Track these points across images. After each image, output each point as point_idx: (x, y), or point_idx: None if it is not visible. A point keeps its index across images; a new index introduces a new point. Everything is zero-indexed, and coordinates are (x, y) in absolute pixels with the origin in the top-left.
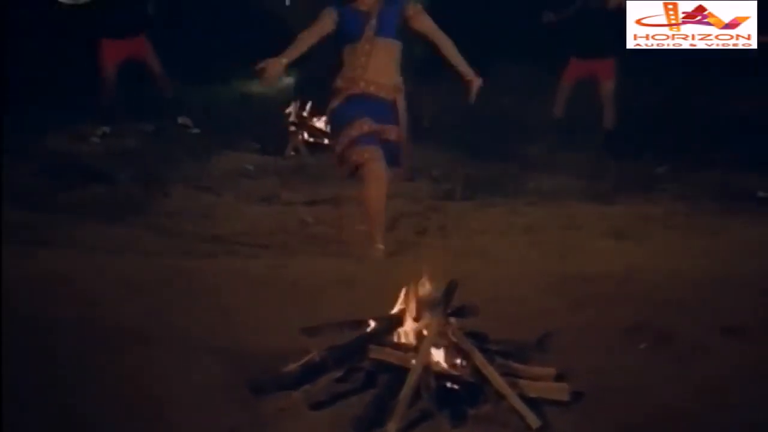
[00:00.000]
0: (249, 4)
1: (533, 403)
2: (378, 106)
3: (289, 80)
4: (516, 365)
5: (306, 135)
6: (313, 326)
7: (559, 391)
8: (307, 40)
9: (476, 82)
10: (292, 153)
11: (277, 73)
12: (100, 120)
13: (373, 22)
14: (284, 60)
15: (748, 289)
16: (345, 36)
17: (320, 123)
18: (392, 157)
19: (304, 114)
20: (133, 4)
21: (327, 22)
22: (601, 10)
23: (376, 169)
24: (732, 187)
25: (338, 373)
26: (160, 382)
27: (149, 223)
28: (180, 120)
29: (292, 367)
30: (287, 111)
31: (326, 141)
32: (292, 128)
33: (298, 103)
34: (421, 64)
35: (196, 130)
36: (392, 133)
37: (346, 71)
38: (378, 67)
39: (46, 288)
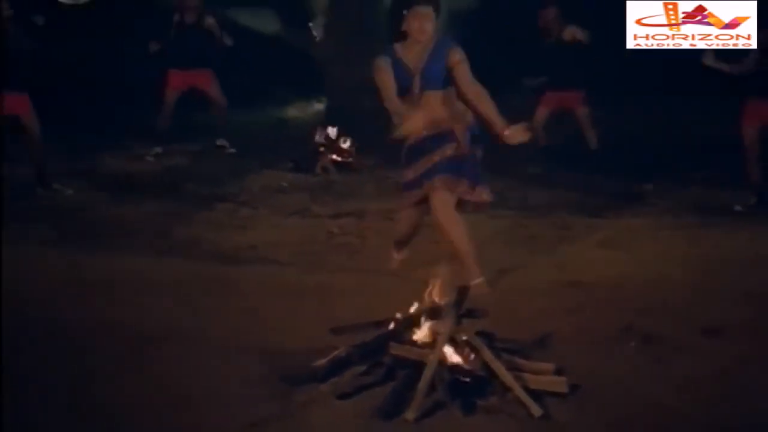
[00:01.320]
0: (282, 40)
1: (535, 395)
2: (438, 139)
3: (320, 107)
4: (520, 361)
5: (334, 155)
6: (340, 326)
7: (558, 384)
8: (392, 97)
9: (513, 133)
10: (321, 171)
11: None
12: (154, 141)
13: (417, 80)
14: (403, 111)
15: (726, 294)
16: (397, 87)
17: (346, 145)
18: (465, 169)
19: (332, 137)
20: (204, 39)
21: (389, 77)
22: (562, 45)
23: (441, 203)
24: (711, 202)
25: (362, 368)
26: (202, 377)
27: (194, 234)
28: (218, 142)
29: (321, 362)
30: (317, 135)
31: (351, 160)
32: (322, 149)
33: (327, 128)
34: None
35: (232, 150)
36: (448, 149)
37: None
38: (428, 112)
39: (102, 292)
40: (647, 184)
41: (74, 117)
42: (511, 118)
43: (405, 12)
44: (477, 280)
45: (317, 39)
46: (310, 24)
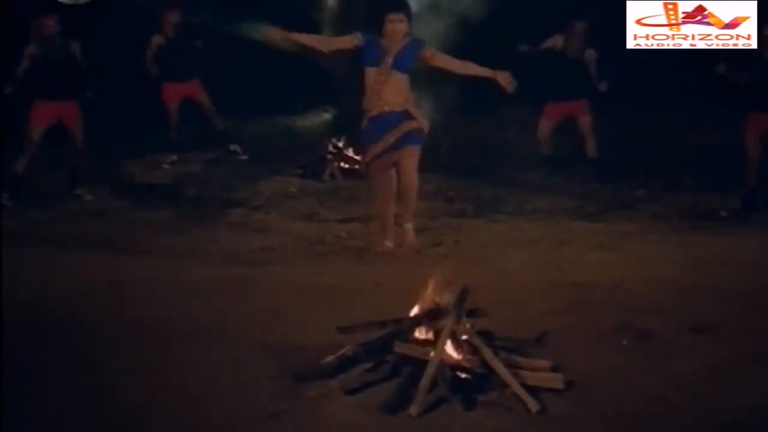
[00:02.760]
0: (292, 52)
1: (533, 391)
2: (395, 117)
3: (327, 116)
4: (518, 358)
5: (341, 162)
6: (347, 325)
7: (555, 381)
8: (319, 42)
9: (504, 78)
10: (329, 178)
11: (274, 35)
12: (169, 149)
13: (389, 58)
14: (284, 34)
15: (714, 294)
16: (366, 60)
17: (352, 152)
18: (414, 137)
19: (339, 144)
20: (190, 54)
21: (347, 40)
22: (575, 59)
23: (411, 165)
24: (700, 208)
25: (368, 365)
26: (217, 371)
27: (211, 236)
28: (231, 147)
29: (330, 359)
30: (326, 143)
31: (357, 167)
32: (329, 156)
33: (335, 137)
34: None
35: (244, 157)
36: (413, 124)
37: (367, 96)
38: (390, 92)
39: (127, 292)
40: (639, 191)
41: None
42: (517, 131)
43: (383, 16)
44: (388, 242)
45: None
46: (320, 34)
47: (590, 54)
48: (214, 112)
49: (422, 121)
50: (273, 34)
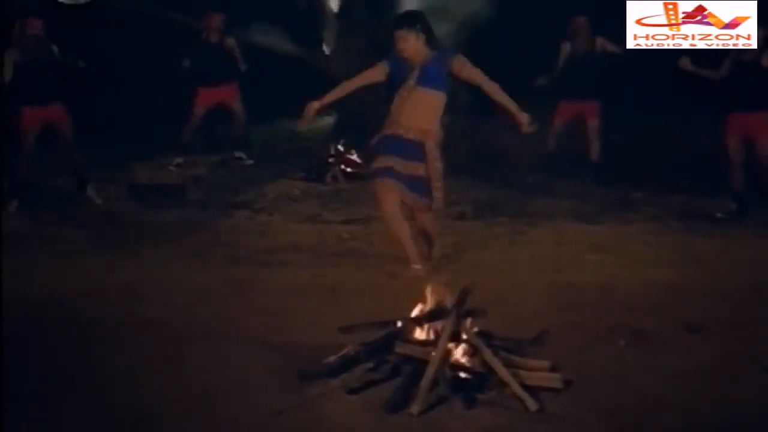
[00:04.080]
0: (295, 57)
1: (531, 390)
2: (406, 145)
3: (330, 120)
4: (517, 358)
5: (343, 166)
6: (349, 325)
7: (553, 380)
8: (347, 87)
9: (524, 119)
10: (331, 180)
11: (311, 113)
12: (176, 152)
13: (415, 72)
14: (317, 103)
15: (709, 294)
16: (393, 84)
17: (354, 156)
18: (423, 189)
19: (341, 148)
20: (227, 56)
21: (376, 73)
22: (587, 55)
23: (384, 201)
24: (695, 210)
25: (370, 364)
26: (223, 370)
27: (216, 238)
28: (236, 153)
29: (332, 359)
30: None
31: (358, 170)
32: (331, 160)
33: (337, 141)
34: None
35: (250, 162)
36: (420, 169)
37: (389, 114)
38: (412, 112)
39: (133, 293)
40: (636, 193)
41: (103, 127)
42: (516, 134)
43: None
44: (415, 266)
45: (329, 56)
46: (322, 41)
47: (601, 41)
48: (243, 119)
49: (432, 164)
50: (310, 112)
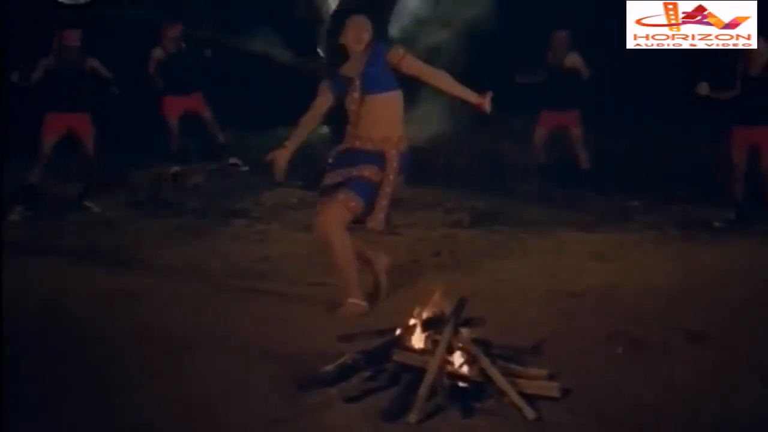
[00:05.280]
0: (291, 66)
1: (529, 399)
2: (364, 156)
3: (326, 129)
4: (515, 367)
5: None
6: (347, 334)
7: (551, 389)
8: (307, 124)
9: (483, 102)
10: None
11: (284, 162)
12: (174, 161)
13: (357, 83)
14: (287, 151)
15: (706, 302)
16: (338, 95)
17: None
18: (369, 195)
19: None
20: (192, 67)
21: (323, 99)
22: (561, 68)
23: (336, 215)
24: (692, 218)
25: (368, 373)
26: (221, 378)
27: (213, 247)
28: (231, 160)
29: (330, 367)
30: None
31: None
32: (327, 168)
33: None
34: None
35: (245, 168)
36: (366, 171)
37: (347, 128)
38: (367, 122)
39: (132, 301)
40: (635, 202)
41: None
42: (514, 142)
43: (344, 23)
44: (352, 300)
45: (326, 63)
46: (318, 50)
47: (572, 59)
48: (216, 126)
49: (388, 175)
50: (278, 159)
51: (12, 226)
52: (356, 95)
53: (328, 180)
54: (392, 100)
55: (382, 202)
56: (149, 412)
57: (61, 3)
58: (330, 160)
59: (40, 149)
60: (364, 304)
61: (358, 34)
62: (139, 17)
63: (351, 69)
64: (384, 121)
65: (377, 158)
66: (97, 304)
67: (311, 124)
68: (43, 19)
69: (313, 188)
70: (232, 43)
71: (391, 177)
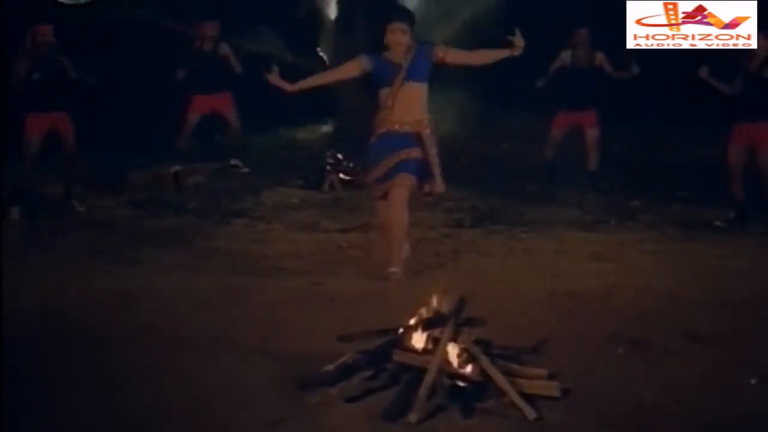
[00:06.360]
0: (293, 66)
1: (529, 399)
2: (403, 138)
3: (327, 128)
4: (515, 367)
5: (340, 174)
6: (348, 334)
7: (551, 389)
8: (324, 78)
9: (516, 48)
10: (329, 188)
11: (279, 85)
12: (173, 160)
13: (403, 69)
14: (290, 87)
15: (708, 303)
16: (379, 81)
17: (352, 164)
18: (421, 170)
19: (339, 156)
20: (221, 65)
21: (354, 67)
22: (586, 67)
23: (399, 195)
24: (693, 218)
25: (368, 373)
26: (222, 378)
27: (214, 247)
28: (232, 161)
29: (330, 367)
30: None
31: (356, 178)
32: (329, 168)
33: (334, 149)
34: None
35: (246, 170)
36: (414, 152)
37: (379, 112)
38: (403, 108)
39: (131, 301)
40: (635, 201)
41: (100, 135)
42: (515, 142)
43: (385, 26)
44: (393, 269)
45: (326, 64)
46: (319, 50)
47: (600, 58)
48: (238, 128)
49: (430, 150)
50: (278, 83)
51: (12, 225)
52: (401, 80)
53: (379, 172)
54: (424, 89)
55: (436, 170)
56: (149, 412)
57: (61, 3)
58: (372, 141)
59: (24, 149)
60: (402, 273)
61: (397, 37)
62: (140, 17)
63: (394, 56)
64: (417, 107)
65: (415, 139)
66: (97, 304)
67: (328, 79)
68: (43, 19)
69: (314, 189)
70: (232, 43)
71: (433, 151)
